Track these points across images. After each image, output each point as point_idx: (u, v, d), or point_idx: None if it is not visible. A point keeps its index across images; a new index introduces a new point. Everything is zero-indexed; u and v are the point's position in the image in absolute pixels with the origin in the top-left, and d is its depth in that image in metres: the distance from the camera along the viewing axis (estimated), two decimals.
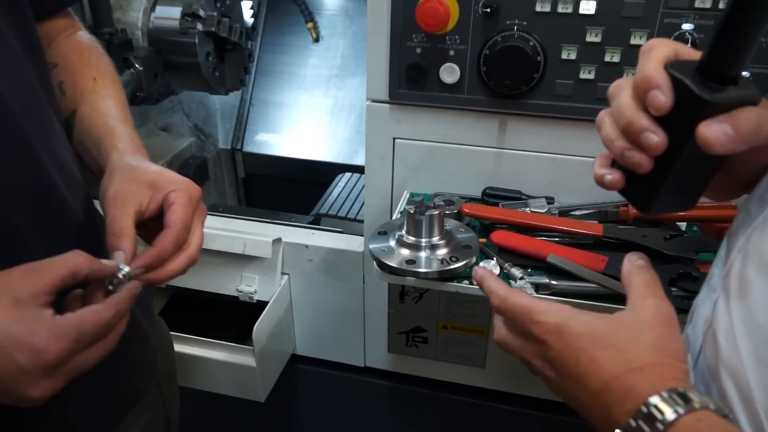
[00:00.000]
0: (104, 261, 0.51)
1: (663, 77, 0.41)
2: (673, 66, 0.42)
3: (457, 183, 0.92)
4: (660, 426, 0.37)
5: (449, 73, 0.83)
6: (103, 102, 0.67)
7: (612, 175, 0.47)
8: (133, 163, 0.59)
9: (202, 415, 1.24)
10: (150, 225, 0.58)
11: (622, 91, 0.44)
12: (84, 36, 0.71)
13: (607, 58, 0.78)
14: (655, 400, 0.38)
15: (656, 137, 0.42)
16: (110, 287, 0.52)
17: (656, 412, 0.37)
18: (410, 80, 0.84)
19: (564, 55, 0.79)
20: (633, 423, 0.38)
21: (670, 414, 0.37)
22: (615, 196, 0.85)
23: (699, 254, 0.73)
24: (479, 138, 0.88)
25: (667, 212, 0.49)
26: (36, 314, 0.43)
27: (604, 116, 0.47)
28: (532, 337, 0.48)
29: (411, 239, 0.74)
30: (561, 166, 0.87)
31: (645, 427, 0.37)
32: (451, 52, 0.82)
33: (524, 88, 0.81)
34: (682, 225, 0.83)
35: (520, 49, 0.78)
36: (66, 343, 0.43)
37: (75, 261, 0.47)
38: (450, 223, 0.78)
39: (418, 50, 0.83)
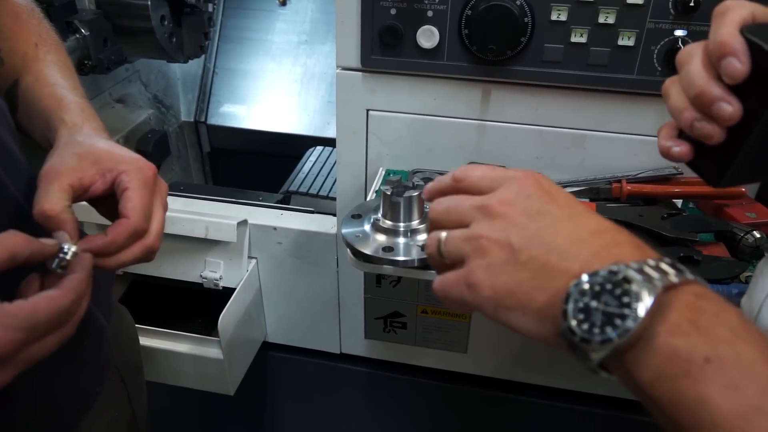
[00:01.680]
0: (45, 240, 0.45)
1: (739, 42, 0.38)
2: (749, 30, 0.38)
3: (436, 158, 0.84)
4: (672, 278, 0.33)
5: (427, 37, 0.75)
6: (48, 69, 0.60)
7: (680, 147, 0.44)
8: (79, 139, 0.54)
9: (171, 409, 1.18)
10: (106, 203, 0.53)
11: (692, 57, 0.41)
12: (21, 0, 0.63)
13: (601, 20, 0.71)
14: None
15: (730, 107, 0.39)
16: (59, 270, 0.46)
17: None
18: (384, 45, 0.76)
19: (554, 16, 0.72)
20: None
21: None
22: (606, 172, 0.80)
23: (699, 235, 0.68)
24: (460, 109, 0.80)
25: (739, 184, 0.49)
26: None
27: (670, 85, 0.44)
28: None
29: (388, 224, 0.67)
30: (549, 139, 0.80)
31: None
32: (430, 13, 0.74)
33: (510, 53, 0.73)
34: (678, 202, 0.78)
35: (505, 8, 0.70)
36: (17, 333, 0.40)
37: (12, 242, 0.42)
38: None
39: (393, 11, 0.75)
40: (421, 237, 0.66)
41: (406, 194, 0.65)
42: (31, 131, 0.59)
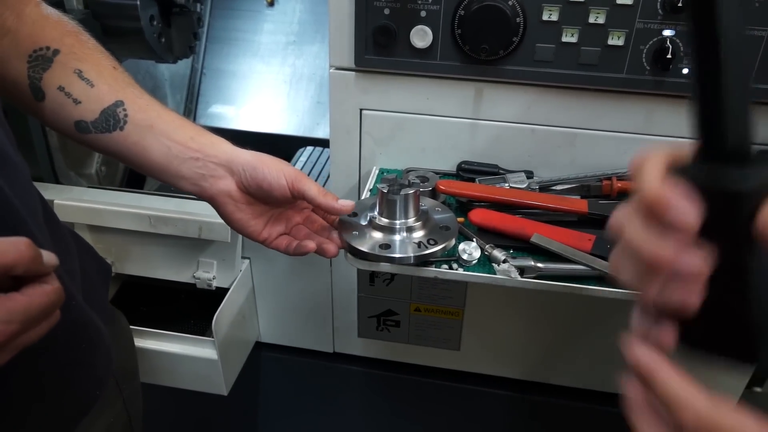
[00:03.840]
0: (45, 258, 0.44)
1: (675, 189, 0.31)
2: (678, 172, 0.31)
3: (430, 157, 0.85)
4: None
5: (421, 37, 0.76)
6: (148, 98, 0.63)
7: (663, 334, 0.34)
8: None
9: (164, 410, 1.17)
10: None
11: (628, 223, 0.34)
12: (52, 10, 0.63)
13: (591, 20, 0.72)
14: None
15: (696, 258, 0.31)
16: None
17: None
18: (378, 45, 0.77)
19: (545, 16, 0.73)
20: None
21: None
22: (597, 170, 0.81)
23: None
24: (453, 108, 0.81)
25: None
26: None
27: (617, 260, 0.36)
28: None
29: (384, 221, 0.67)
30: (540, 137, 0.81)
31: None
32: (423, 14, 0.75)
33: (502, 53, 0.74)
34: None
35: (498, 9, 0.71)
36: (13, 326, 0.41)
37: (17, 254, 0.41)
38: (426, 202, 0.71)
39: (387, 11, 0.75)
40: (417, 234, 0.67)
41: (403, 192, 0.66)
42: (144, 144, 0.61)
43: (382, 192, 0.66)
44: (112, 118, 0.60)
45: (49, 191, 1.02)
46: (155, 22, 1.18)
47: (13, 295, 0.41)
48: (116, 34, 1.15)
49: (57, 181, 1.11)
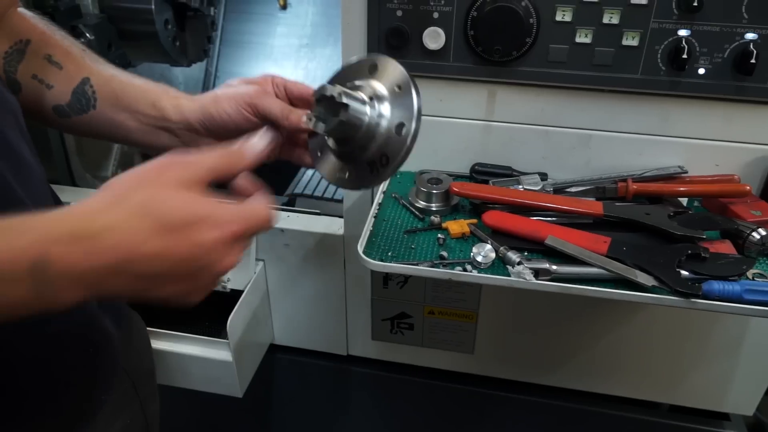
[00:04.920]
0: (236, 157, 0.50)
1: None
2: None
3: (443, 159, 0.85)
4: None
5: (433, 39, 0.75)
6: (116, 68, 0.63)
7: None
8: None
9: (179, 412, 1.18)
10: None
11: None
12: (28, 12, 0.64)
13: (606, 20, 0.71)
14: None
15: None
16: None
17: None
18: (390, 46, 0.77)
19: (558, 17, 0.72)
20: None
21: None
22: (612, 171, 0.80)
23: (706, 232, 0.68)
24: (466, 110, 0.81)
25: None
26: (207, 200, 0.44)
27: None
28: None
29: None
30: (554, 139, 0.81)
31: None
32: (436, 15, 0.74)
33: (515, 54, 0.74)
34: (684, 200, 0.78)
35: (511, 10, 0.71)
36: (242, 222, 0.45)
37: (222, 166, 0.47)
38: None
39: (399, 13, 0.75)
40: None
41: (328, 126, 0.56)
42: (118, 119, 0.61)
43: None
44: (83, 97, 0.60)
45: (65, 193, 1.03)
46: (170, 26, 1.19)
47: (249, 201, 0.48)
48: (131, 38, 1.16)
49: (74, 184, 1.12)
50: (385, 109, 0.55)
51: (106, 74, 0.61)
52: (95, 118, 0.61)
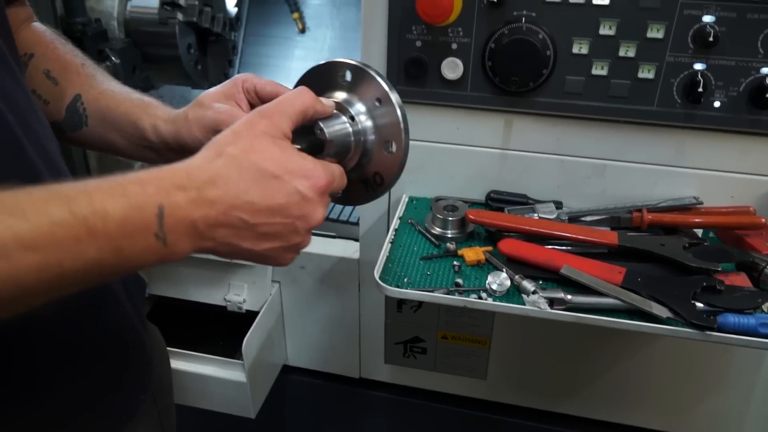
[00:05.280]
0: (323, 100, 0.51)
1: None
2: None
3: (459, 186, 0.86)
4: None
5: (452, 69, 0.77)
6: (109, 83, 0.64)
7: None
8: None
9: (192, 431, 1.18)
10: None
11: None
12: (40, 26, 0.66)
13: (622, 53, 0.73)
14: None
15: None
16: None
17: None
18: (410, 76, 0.78)
19: (575, 49, 0.74)
20: None
21: None
22: (627, 201, 0.81)
23: (721, 264, 0.69)
24: (483, 138, 0.82)
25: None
26: (296, 151, 0.46)
27: None
28: None
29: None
30: (569, 168, 0.82)
31: None
32: (454, 46, 0.76)
33: (532, 84, 0.75)
34: (699, 231, 0.79)
35: (528, 42, 0.72)
36: (330, 174, 0.47)
37: (306, 101, 0.49)
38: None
39: (418, 43, 0.77)
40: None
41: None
42: (109, 137, 0.62)
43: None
44: (75, 114, 0.61)
45: None
46: (192, 50, 1.22)
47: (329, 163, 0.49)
48: (155, 61, 1.19)
49: None
50: (369, 126, 0.53)
51: (95, 92, 0.62)
52: (89, 135, 0.62)
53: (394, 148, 0.53)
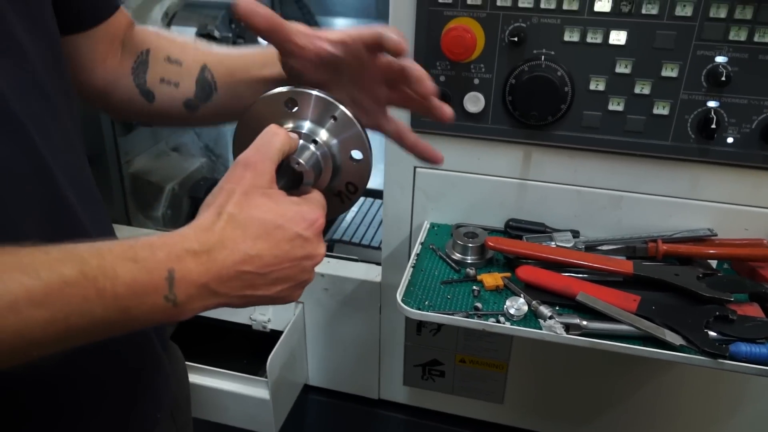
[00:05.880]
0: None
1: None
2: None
3: (479, 213, 0.89)
4: None
5: (474, 102, 0.81)
6: (227, 48, 0.67)
7: None
8: None
9: None
10: None
11: None
12: (143, 27, 0.71)
13: (637, 90, 0.76)
14: None
15: None
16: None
17: None
18: None
19: (592, 86, 0.77)
20: None
21: None
22: (643, 231, 0.83)
23: (734, 295, 0.71)
24: (503, 168, 0.86)
25: None
26: (286, 197, 0.49)
27: None
28: None
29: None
30: (586, 198, 0.85)
31: None
32: (476, 81, 0.80)
33: (551, 118, 0.79)
34: (713, 262, 0.81)
35: (547, 79, 0.76)
36: (321, 211, 0.51)
37: (282, 139, 0.51)
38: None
39: (442, 78, 0.81)
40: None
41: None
42: (239, 93, 0.63)
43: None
44: (205, 84, 0.64)
45: (122, 232, 1.10)
46: None
47: (313, 194, 0.53)
48: None
49: (129, 223, 1.19)
50: (334, 143, 0.54)
51: (218, 56, 0.65)
52: (219, 101, 0.65)
53: (360, 155, 0.55)
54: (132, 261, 0.41)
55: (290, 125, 0.54)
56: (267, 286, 0.47)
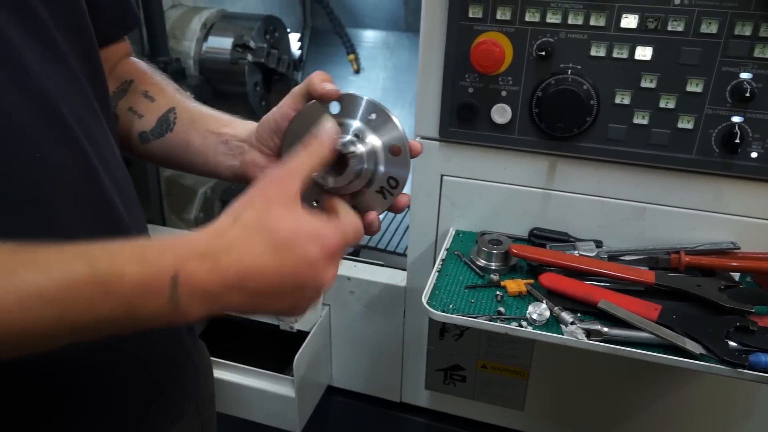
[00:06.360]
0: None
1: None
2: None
3: (503, 221, 0.91)
4: None
5: (501, 114, 0.83)
6: (201, 105, 0.70)
7: None
8: None
9: None
10: None
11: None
12: (138, 60, 0.75)
13: (662, 104, 0.78)
14: None
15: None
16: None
17: None
18: (461, 119, 0.85)
19: (618, 100, 0.79)
20: None
21: None
22: (665, 243, 0.85)
23: (755, 307, 0.72)
24: (528, 178, 0.88)
25: None
26: (305, 214, 0.48)
27: None
28: None
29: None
30: (610, 209, 0.86)
31: None
32: (504, 93, 0.83)
33: (576, 131, 0.81)
34: (736, 275, 0.82)
35: (573, 92, 0.78)
36: (341, 235, 0.49)
37: (319, 156, 0.52)
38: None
39: (471, 90, 0.84)
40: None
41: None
42: (189, 139, 0.66)
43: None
44: (165, 122, 0.68)
45: (157, 232, 1.14)
46: (258, 88, 1.33)
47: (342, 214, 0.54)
48: (224, 97, 1.31)
49: (164, 224, 1.24)
50: (373, 138, 0.57)
51: (189, 105, 0.69)
52: (168, 141, 0.68)
53: (400, 150, 0.57)
54: (140, 262, 0.42)
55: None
56: (267, 302, 0.46)
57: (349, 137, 0.55)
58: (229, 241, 0.45)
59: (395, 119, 0.57)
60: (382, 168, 0.58)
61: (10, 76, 0.47)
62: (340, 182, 0.56)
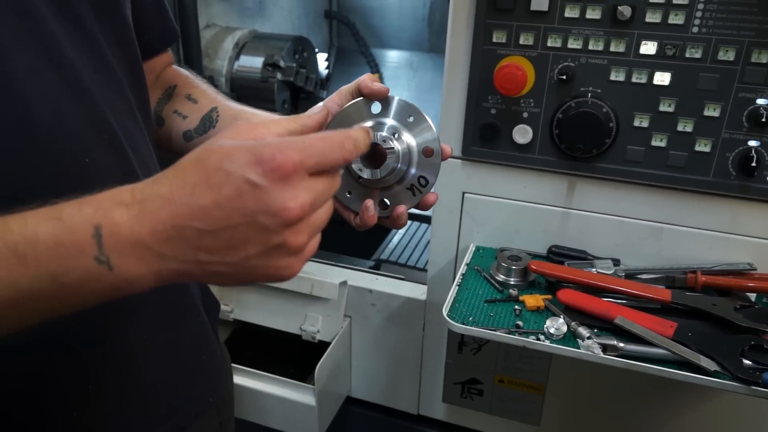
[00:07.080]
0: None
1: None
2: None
3: (522, 239, 0.94)
4: None
5: (522, 134, 0.86)
6: (243, 106, 0.73)
7: None
8: None
9: None
10: None
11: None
12: (180, 68, 0.80)
13: (680, 128, 0.80)
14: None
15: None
16: None
17: None
18: (483, 138, 0.88)
19: (636, 123, 0.82)
20: None
21: None
22: (682, 262, 0.86)
23: None
24: (547, 197, 0.90)
25: None
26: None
27: None
28: None
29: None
30: (628, 229, 0.88)
31: None
32: (525, 114, 0.86)
33: (595, 152, 0.83)
34: (752, 296, 0.83)
35: (593, 115, 0.81)
36: (288, 149, 0.40)
37: (346, 149, 0.45)
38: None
39: (493, 111, 0.87)
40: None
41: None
42: None
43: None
44: (207, 120, 0.71)
45: None
46: (286, 105, 1.37)
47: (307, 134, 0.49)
48: None
49: None
50: (409, 138, 0.59)
51: (230, 104, 0.73)
52: (212, 136, 0.69)
53: (432, 152, 0.60)
54: (56, 220, 0.36)
55: (374, 122, 0.61)
56: (222, 251, 0.39)
57: (386, 133, 0.59)
58: (158, 184, 0.39)
59: (430, 122, 0.61)
60: (414, 166, 0.61)
61: (66, 87, 0.51)
62: (376, 175, 0.59)
